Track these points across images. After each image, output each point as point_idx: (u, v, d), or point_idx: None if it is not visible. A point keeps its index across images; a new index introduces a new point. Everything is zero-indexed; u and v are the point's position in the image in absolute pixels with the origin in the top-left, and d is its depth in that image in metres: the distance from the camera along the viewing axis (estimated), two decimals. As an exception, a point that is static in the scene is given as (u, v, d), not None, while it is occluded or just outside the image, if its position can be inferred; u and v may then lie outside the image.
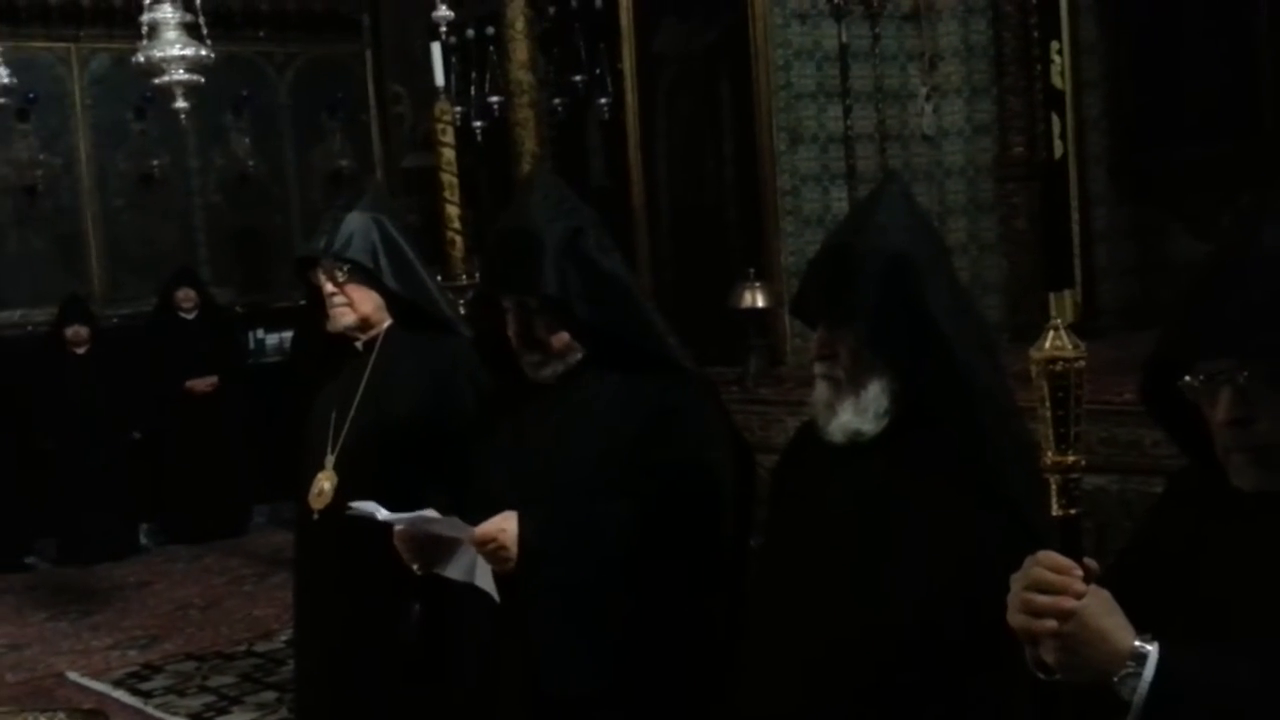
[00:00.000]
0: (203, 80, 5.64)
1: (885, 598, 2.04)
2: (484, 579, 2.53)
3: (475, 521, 2.53)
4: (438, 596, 2.80)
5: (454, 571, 2.61)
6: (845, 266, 2.15)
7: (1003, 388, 2.13)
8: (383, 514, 2.66)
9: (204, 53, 5.60)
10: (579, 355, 2.66)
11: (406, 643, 2.94)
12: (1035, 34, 7.52)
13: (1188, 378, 1.62)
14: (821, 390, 2.17)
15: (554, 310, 2.61)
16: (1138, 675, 1.48)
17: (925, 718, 2.01)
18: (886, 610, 2.03)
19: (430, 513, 2.61)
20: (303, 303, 8.76)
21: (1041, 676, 1.58)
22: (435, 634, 2.88)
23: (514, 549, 2.47)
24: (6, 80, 7.31)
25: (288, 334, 9.75)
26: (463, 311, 3.99)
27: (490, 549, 2.49)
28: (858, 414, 2.11)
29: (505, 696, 2.61)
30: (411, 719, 3.05)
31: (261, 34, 10.11)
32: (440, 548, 2.63)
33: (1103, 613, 1.51)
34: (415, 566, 2.69)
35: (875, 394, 2.10)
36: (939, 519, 2.03)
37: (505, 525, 2.48)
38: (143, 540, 9.24)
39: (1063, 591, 1.52)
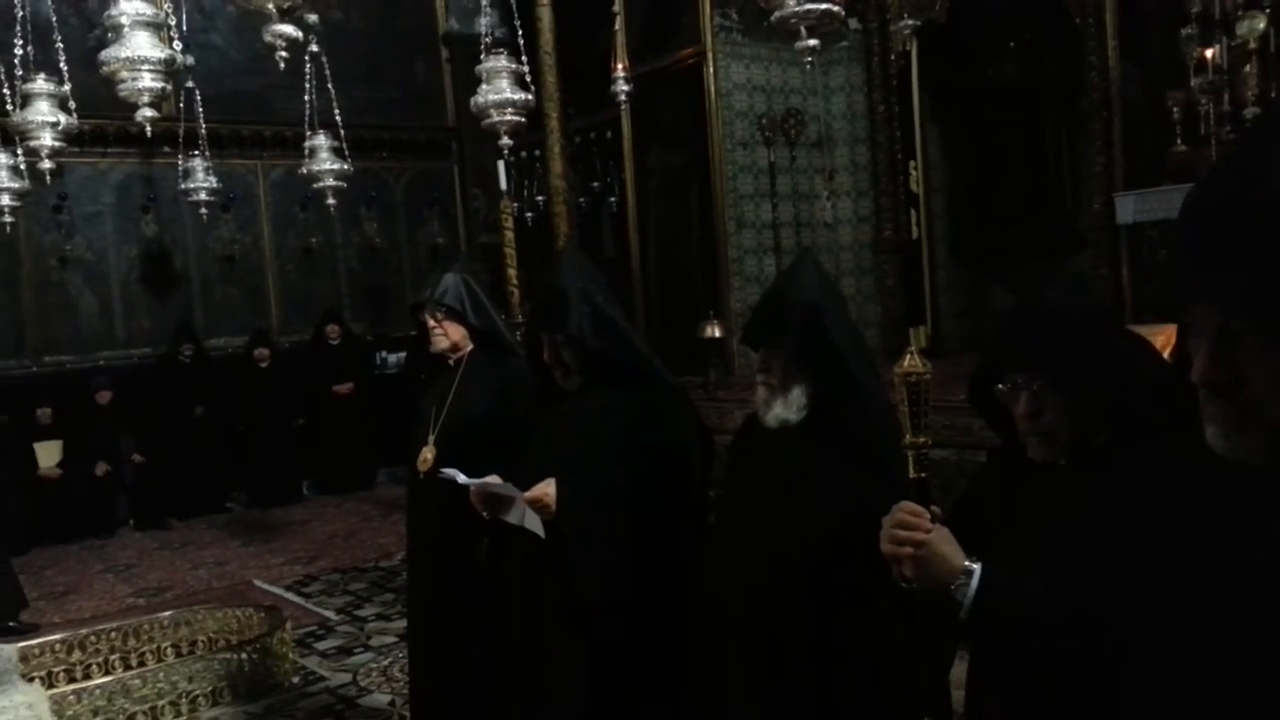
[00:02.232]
0: (345, 185, 5.66)
1: (804, 532, 2.02)
2: (532, 524, 2.49)
3: (525, 484, 2.50)
4: (500, 534, 2.77)
5: (511, 518, 2.57)
6: (777, 310, 2.14)
7: (882, 392, 2.12)
8: (461, 478, 2.62)
9: (346, 167, 5.62)
10: (592, 373, 2.63)
11: (479, 563, 2.91)
12: (899, 156, 7.57)
13: (1000, 385, 1.62)
14: (761, 392, 2.15)
15: (573, 344, 2.58)
16: (967, 585, 1.49)
17: (835, 609, 1.99)
18: (805, 539, 2.01)
19: (494, 478, 2.58)
20: (413, 333, 8.81)
21: (902, 585, 1.58)
22: (498, 558, 2.86)
23: (554, 505, 2.45)
24: (215, 185, 7.33)
25: (402, 354, 9.75)
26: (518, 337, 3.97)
27: (538, 506, 2.46)
28: (785, 408, 2.09)
29: (548, 602, 2.58)
30: (481, 615, 3.01)
31: (384, 155, 10.11)
32: (501, 501, 2.60)
33: (943, 542, 1.52)
34: (484, 514, 2.64)
35: (797, 395, 2.08)
36: (839, 479, 2.02)
37: (548, 489, 2.46)
38: (305, 492, 9.21)
39: (916, 528, 1.53)
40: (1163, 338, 4.53)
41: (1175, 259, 0.99)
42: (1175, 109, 6.18)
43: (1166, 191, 5.97)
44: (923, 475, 1.63)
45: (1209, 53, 5.99)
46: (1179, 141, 6.19)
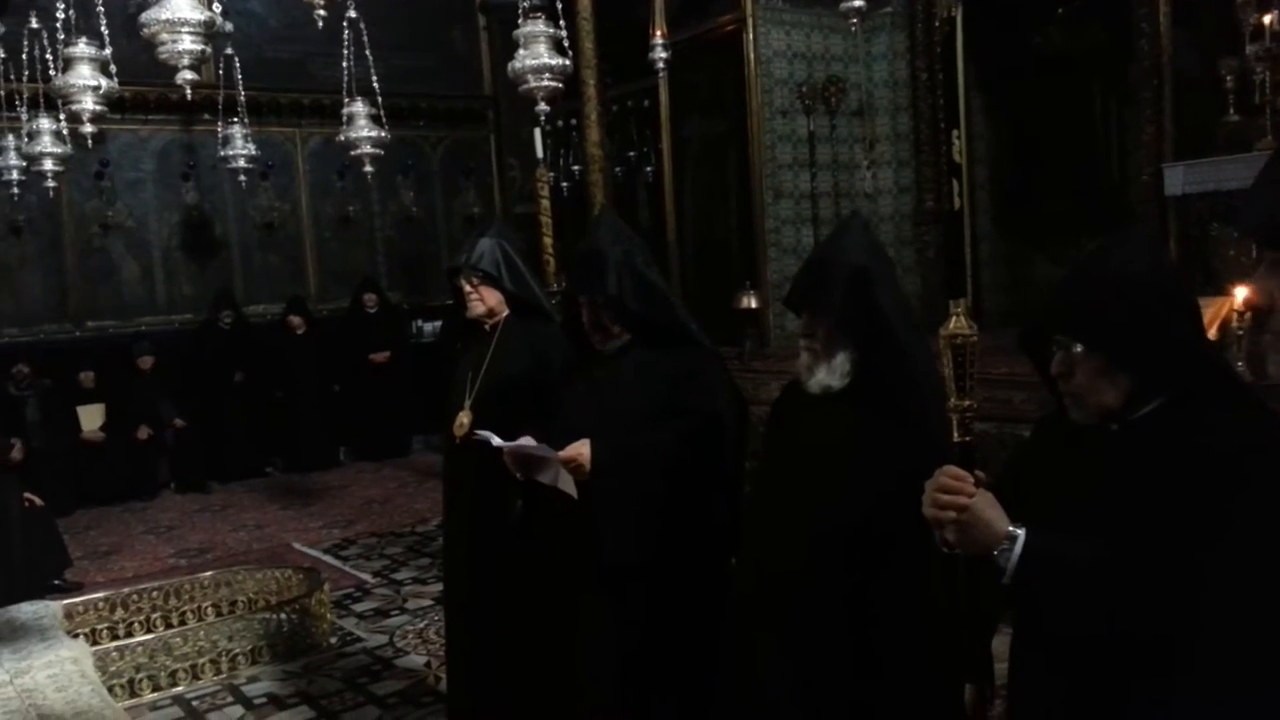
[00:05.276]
0: (382, 153, 5.64)
1: (847, 497, 1.99)
2: (565, 484, 2.49)
3: (560, 445, 2.49)
4: (533, 495, 2.75)
5: (544, 479, 2.56)
6: (823, 273, 2.10)
7: (929, 357, 2.06)
8: (496, 441, 2.62)
9: (383, 135, 5.60)
10: (630, 335, 2.62)
11: (513, 524, 2.92)
12: (942, 125, 7.44)
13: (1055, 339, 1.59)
14: (804, 358, 2.12)
15: (613, 305, 2.57)
16: (1010, 550, 1.46)
17: (876, 575, 1.97)
18: (847, 505, 1.99)
19: (528, 440, 2.58)
20: (449, 301, 8.83)
21: (945, 551, 1.56)
22: (531, 519, 2.86)
23: (588, 466, 2.45)
24: (255, 153, 7.36)
25: (438, 323, 9.81)
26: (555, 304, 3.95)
27: (572, 466, 2.46)
28: (829, 374, 2.07)
29: (579, 562, 2.59)
30: (514, 575, 3.02)
31: (421, 123, 10.13)
32: (535, 463, 2.59)
33: (987, 507, 1.49)
34: (518, 475, 2.64)
35: (841, 361, 2.05)
36: (882, 445, 1.99)
37: (582, 450, 2.46)
38: (342, 457, 9.32)
39: (959, 493, 1.50)
40: (1211, 311, 4.43)
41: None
42: (1229, 77, 6.01)
43: (1217, 163, 5.81)
44: (967, 439, 1.59)
45: (1266, 19, 5.80)
46: (1232, 111, 6.02)
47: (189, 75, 3.05)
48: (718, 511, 2.52)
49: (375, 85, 5.67)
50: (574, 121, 8.17)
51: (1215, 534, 1.39)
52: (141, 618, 4.86)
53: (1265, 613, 1.40)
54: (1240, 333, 4.16)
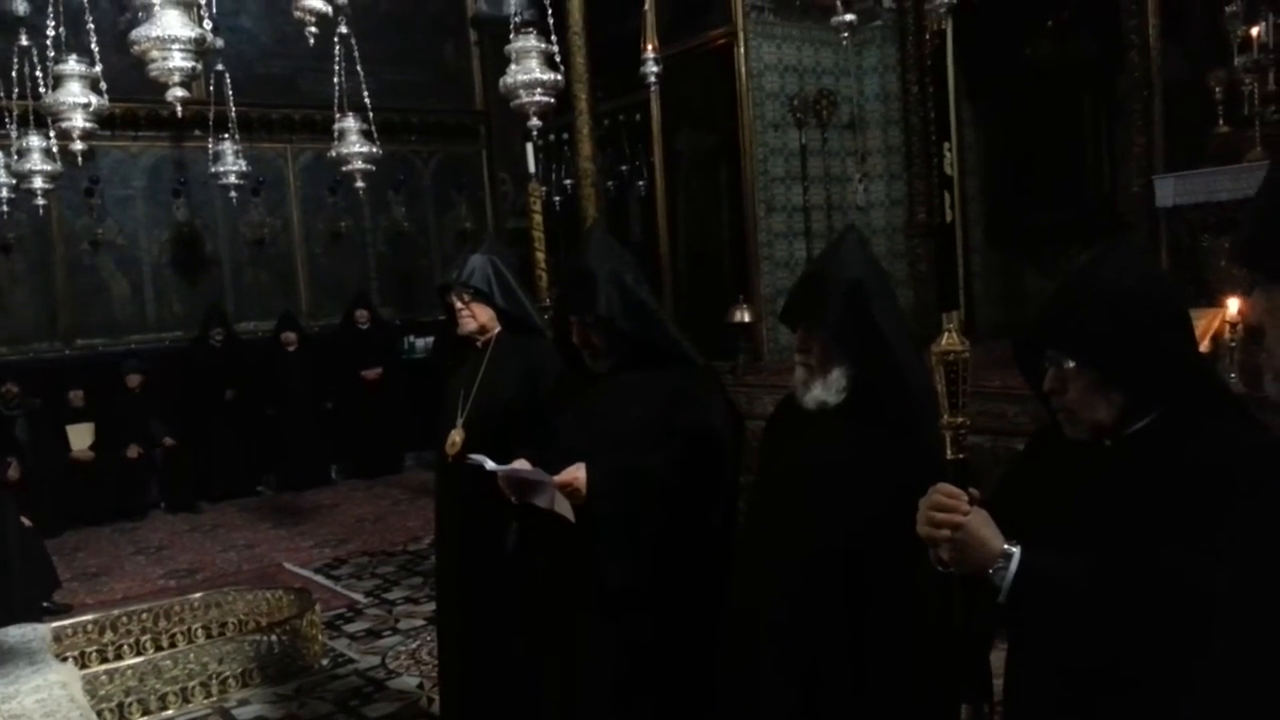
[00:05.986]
0: (374, 168, 5.65)
1: (842, 513, 1.99)
2: (561, 507, 2.46)
3: (554, 467, 2.47)
4: (529, 518, 2.72)
5: (540, 502, 2.53)
6: (819, 288, 2.09)
7: (923, 373, 2.06)
8: (489, 465, 2.58)
9: (375, 150, 5.61)
10: (621, 355, 2.59)
11: (508, 547, 2.90)
12: (933, 137, 7.44)
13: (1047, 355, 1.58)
14: (800, 373, 2.11)
15: (604, 325, 2.56)
16: (1005, 568, 1.46)
17: (872, 593, 1.96)
18: (843, 520, 1.98)
19: (522, 463, 2.56)
20: (441, 318, 8.80)
21: (940, 569, 1.56)
22: (527, 543, 2.84)
23: (584, 490, 2.43)
24: (245, 168, 7.36)
25: (430, 339, 9.78)
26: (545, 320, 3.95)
27: (568, 491, 2.43)
28: (824, 390, 2.06)
29: (574, 585, 2.56)
30: (508, 596, 2.99)
31: (413, 138, 10.15)
32: (529, 487, 2.56)
33: (982, 525, 1.49)
34: (513, 498, 2.61)
35: (837, 376, 2.05)
36: (877, 461, 1.99)
37: (578, 474, 2.43)
38: (333, 476, 9.28)
39: (954, 511, 1.50)
40: (1203, 323, 4.44)
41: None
42: (1218, 89, 6.05)
43: (1207, 174, 5.84)
44: (961, 457, 1.59)
45: (1254, 30, 5.85)
46: (1221, 122, 6.06)
47: (180, 92, 3.06)
48: (715, 530, 2.50)
49: (366, 100, 5.68)
50: (566, 136, 8.17)
51: (1212, 549, 1.38)
52: (131, 640, 4.82)
53: (1265, 626, 1.39)
54: (1233, 345, 4.17)
